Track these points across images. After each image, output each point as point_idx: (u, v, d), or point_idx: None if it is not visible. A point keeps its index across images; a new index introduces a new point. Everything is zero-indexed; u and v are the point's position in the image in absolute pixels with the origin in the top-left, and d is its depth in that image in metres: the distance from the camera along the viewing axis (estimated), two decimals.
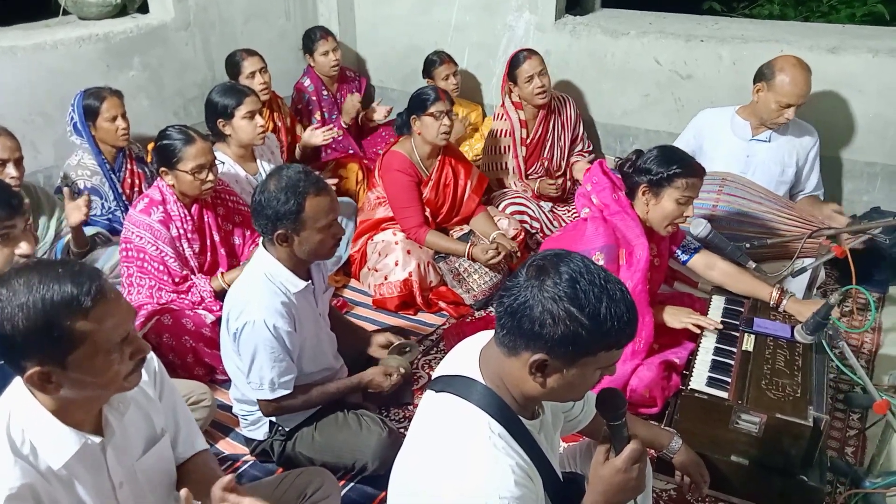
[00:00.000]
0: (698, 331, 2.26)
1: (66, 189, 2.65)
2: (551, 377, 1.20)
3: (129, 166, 3.06)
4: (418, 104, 3.04)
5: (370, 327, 2.78)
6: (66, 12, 3.55)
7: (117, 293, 1.22)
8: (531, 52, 3.46)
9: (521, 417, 1.28)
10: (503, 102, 3.62)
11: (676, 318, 2.32)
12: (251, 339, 1.94)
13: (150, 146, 2.96)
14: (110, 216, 2.96)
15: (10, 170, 2.50)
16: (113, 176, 2.97)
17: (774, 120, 2.89)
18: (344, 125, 3.96)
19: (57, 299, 1.12)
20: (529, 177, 3.68)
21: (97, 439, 1.29)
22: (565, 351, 1.15)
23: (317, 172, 2.04)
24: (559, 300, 1.13)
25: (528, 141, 3.61)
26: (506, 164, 3.66)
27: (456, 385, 1.30)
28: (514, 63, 3.47)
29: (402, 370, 2.23)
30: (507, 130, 3.60)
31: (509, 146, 3.61)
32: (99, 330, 1.16)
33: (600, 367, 1.21)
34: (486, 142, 3.73)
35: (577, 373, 1.19)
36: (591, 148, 3.87)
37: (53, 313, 1.12)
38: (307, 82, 3.94)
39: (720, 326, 2.26)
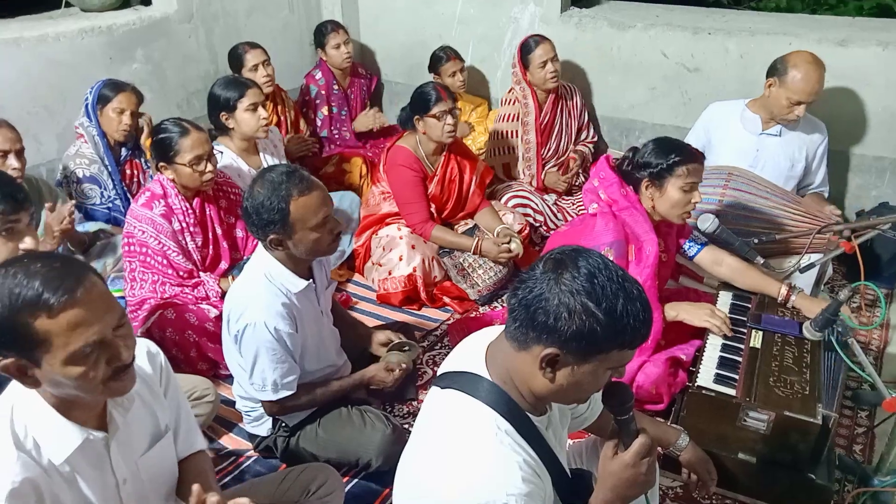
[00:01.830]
0: (720, 334, 2.22)
1: (48, 205, 2.49)
2: (561, 373, 1.18)
3: (128, 157, 3.05)
4: (421, 105, 3.02)
5: (374, 322, 2.77)
6: (68, 4, 3.54)
7: (96, 294, 1.17)
8: (542, 38, 3.46)
9: (528, 414, 1.26)
10: (513, 87, 3.60)
11: (696, 315, 2.28)
12: (252, 341, 1.93)
13: (148, 142, 2.94)
14: (110, 205, 2.95)
15: (12, 161, 2.49)
16: (114, 163, 2.96)
17: (784, 116, 2.86)
18: (353, 130, 3.98)
19: (23, 295, 1.10)
20: (541, 159, 3.66)
21: (100, 434, 1.28)
22: (578, 346, 1.13)
23: (304, 170, 1.98)
24: (576, 294, 1.12)
25: (539, 125, 3.60)
26: (514, 148, 3.64)
27: (462, 381, 1.28)
28: (525, 48, 3.46)
29: (404, 365, 2.22)
30: (515, 115, 3.59)
31: (517, 131, 3.59)
32: (61, 331, 1.12)
33: (611, 367, 1.19)
34: (493, 126, 3.72)
35: (587, 370, 1.17)
36: (595, 138, 3.87)
37: (17, 309, 1.10)
38: (318, 75, 3.93)
39: (730, 333, 2.22)
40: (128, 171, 3.05)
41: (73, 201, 2.64)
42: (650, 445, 1.27)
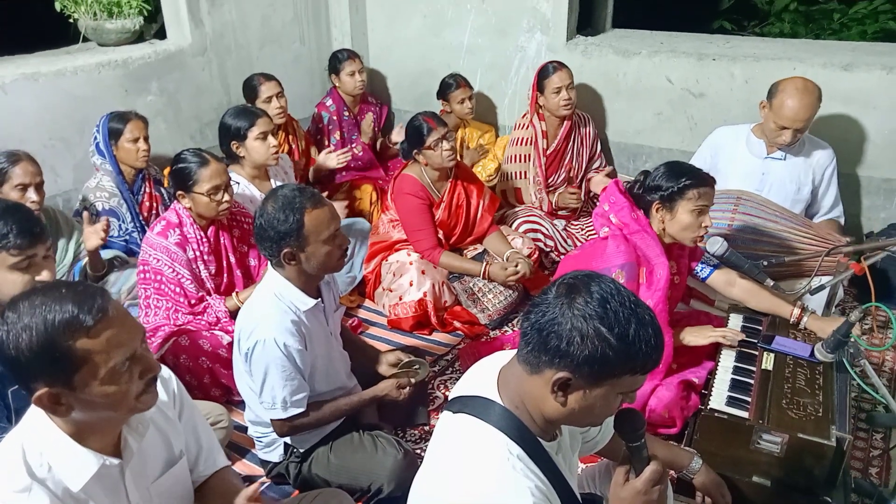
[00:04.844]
0: (727, 342, 2.23)
1: (85, 213, 2.66)
2: (573, 396, 1.19)
3: (147, 189, 3.11)
4: (416, 140, 3.09)
5: (385, 347, 2.78)
6: (85, 39, 3.62)
7: (123, 312, 1.22)
8: (561, 65, 3.50)
9: (539, 439, 1.27)
10: (528, 112, 3.66)
11: (701, 335, 2.30)
12: (262, 358, 1.95)
13: (167, 171, 3.00)
14: (127, 238, 3.00)
15: (31, 194, 2.54)
16: (131, 197, 3.02)
17: (774, 140, 2.88)
18: (364, 142, 4.02)
19: (58, 319, 1.13)
20: (549, 187, 3.69)
21: (116, 461, 1.28)
22: (590, 371, 1.15)
23: (317, 190, 2.05)
24: (589, 319, 1.13)
25: (549, 152, 3.64)
26: (526, 173, 3.67)
27: (473, 406, 1.29)
28: (542, 73, 3.51)
29: (414, 380, 2.22)
30: (529, 139, 3.63)
31: (531, 155, 3.63)
32: (102, 349, 1.16)
33: (622, 392, 1.20)
34: (507, 150, 3.76)
35: (599, 394, 1.18)
36: (605, 167, 3.89)
37: (55, 333, 1.13)
38: (329, 102, 4.00)
39: (742, 336, 2.24)
40: (146, 203, 3.11)
41: (105, 218, 2.69)
42: (662, 472, 1.27)
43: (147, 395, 1.26)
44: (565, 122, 3.61)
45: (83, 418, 1.22)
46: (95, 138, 2.97)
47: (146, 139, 3.00)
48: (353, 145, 4.02)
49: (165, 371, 1.49)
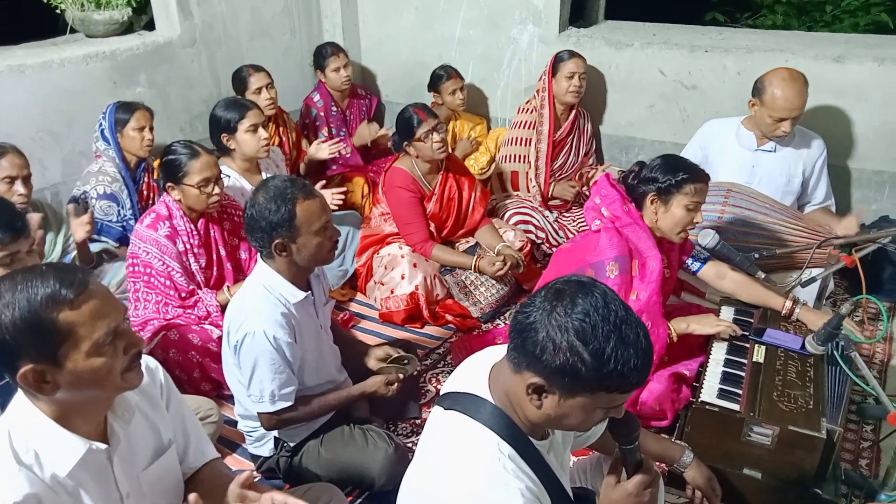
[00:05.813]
0: (733, 333, 2.23)
1: (70, 206, 2.66)
2: (547, 402, 1.18)
3: (146, 179, 3.13)
4: (406, 132, 3.08)
5: (377, 341, 2.77)
6: (73, 30, 3.59)
7: (104, 288, 1.24)
8: (576, 53, 3.55)
9: (530, 438, 1.26)
10: (533, 97, 3.65)
11: (706, 323, 2.29)
12: (251, 350, 1.94)
13: (157, 163, 2.99)
14: (125, 224, 3.00)
15: (19, 187, 2.52)
16: (132, 185, 3.04)
17: (772, 133, 2.88)
18: (353, 144, 3.98)
19: (41, 293, 1.14)
20: (552, 171, 3.69)
21: (103, 446, 1.28)
22: (561, 382, 1.13)
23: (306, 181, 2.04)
24: (564, 331, 1.11)
25: (554, 139, 3.64)
26: (526, 157, 3.66)
27: (465, 403, 1.28)
28: (558, 58, 3.55)
29: (402, 376, 2.22)
30: (532, 123, 3.62)
31: (532, 139, 3.62)
32: (84, 321, 1.16)
33: (601, 407, 1.18)
34: (507, 133, 3.76)
35: (574, 404, 1.16)
36: (596, 166, 3.90)
37: (38, 307, 1.14)
38: (316, 97, 3.97)
39: (740, 332, 2.24)
40: (145, 193, 3.12)
41: (90, 210, 2.73)
42: (654, 476, 1.27)
43: (132, 373, 1.26)
44: (572, 112, 3.62)
45: (68, 398, 1.22)
46: (101, 125, 2.98)
47: (151, 129, 3.02)
48: (344, 146, 3.99)
49: (152, 361, 1.49)
